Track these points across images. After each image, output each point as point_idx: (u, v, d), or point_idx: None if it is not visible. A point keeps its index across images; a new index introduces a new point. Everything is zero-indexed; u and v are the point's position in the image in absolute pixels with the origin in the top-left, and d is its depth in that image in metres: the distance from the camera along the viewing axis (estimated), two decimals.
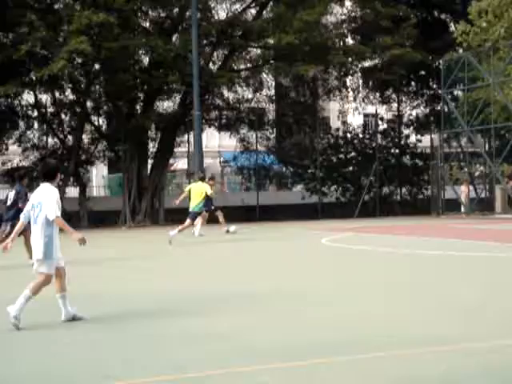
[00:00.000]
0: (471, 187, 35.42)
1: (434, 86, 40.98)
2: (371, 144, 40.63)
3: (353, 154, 41.11)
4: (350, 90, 41.22)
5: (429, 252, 16.84)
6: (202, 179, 22.77)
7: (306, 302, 10.00)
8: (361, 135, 41.65)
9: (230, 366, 6.43)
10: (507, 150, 32.28)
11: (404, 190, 41.25)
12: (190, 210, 21.55)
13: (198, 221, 22.48)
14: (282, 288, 11.41)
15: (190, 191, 22.45)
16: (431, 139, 39.50)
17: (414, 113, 43.43)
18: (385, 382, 5.88)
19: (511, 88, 32.10)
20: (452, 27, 38.67)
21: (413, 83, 42.71)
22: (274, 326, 8.28)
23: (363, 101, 41.85)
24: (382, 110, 42.65)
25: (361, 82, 40.95)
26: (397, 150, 41.55)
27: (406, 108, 43.20)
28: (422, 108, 43.24)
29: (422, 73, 41.37)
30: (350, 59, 36.55)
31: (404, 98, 42.96)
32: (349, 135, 41.39)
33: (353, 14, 37.64)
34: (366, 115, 45.90)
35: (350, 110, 42.31)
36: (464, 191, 34.91)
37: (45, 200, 8.35)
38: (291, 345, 7.24)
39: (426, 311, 9.04)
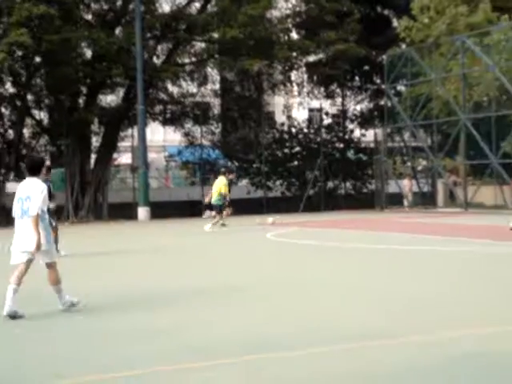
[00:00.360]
0: (414, 181, 35.86)
1: (378, 81, 41.37)
2: (316, 139, 40.83)
3: (298, 148, 41.26)
4: (294, 84, 41.35)
5: (373, 246, 16.96)
6: (224, 174, 24.30)
7: (249, 297, 9.96)
8: (306, 130, 41.80)
9: (177, 363, 6.36)
10: (449, 145, 32.75)
11: (348, 184, 41.57)
12: (213, 203, 23.37)
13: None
14: (227, 283, 11.34)
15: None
16: (375, 134, 39.86)
17: (358, 107, 43.78)
18: (328, 377, 5.85)
19: (452, 83, 32.55)
20: (395, 23, 39.04)
21: (357, 78, 43.06)
22: (219, 321, 8.21)
23: (308, 95, 42.03)
24: (327, 105, 42.88)
25: (305, 76, 41.11)
26: (341, 145, 41.85)
27: (350, 103, 43.53)
28: (366, 103, 43.63)
29: (366, 68, 41.72)
30: (294, 54, 36.64)
31: (348, 93, 43.29)
32: (294, 130, 41.52)
33: (297, 8, 37.74)
34: (310, 110, 46.12)
35: (295, 105, 42.46)
36: (407, 185, 35.33)
37: (33, 194, 8.58)
38: (237, 340, 7.18)
39: (370, 305, 9.06)
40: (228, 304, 9.44)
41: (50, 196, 14.10)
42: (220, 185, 23.52)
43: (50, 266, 8.78)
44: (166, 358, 6.55)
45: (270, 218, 24.25)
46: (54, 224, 14.84)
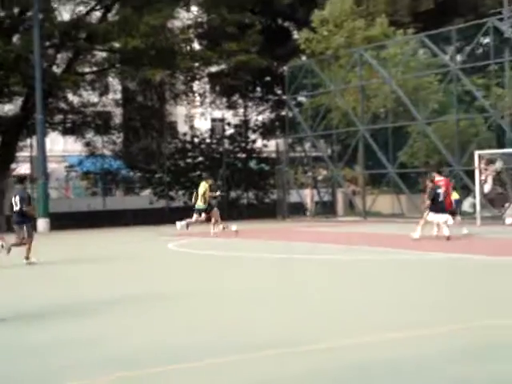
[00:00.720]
0: (315, 191, 36.45)
1: (279, 91, 41.85)
2: (218, 149, 40.97)
3: (200, 158, 41.26)
4: (197, 94, 41.38)
5: (276, 255, 17.16)
6: (205, 179, 25.09)
7: (154, 308, 9.93)
8: (208, 140, 41.88)
9: (90, 376, 6.32)
10: (348, 155, 33.47)
11: (251, 194, 41.84)
12: (196, 207, 24.21)
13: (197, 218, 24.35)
14: (126, 294, 11.26)
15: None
16: (277, 144, 40.31)
17: (260, 118, 44.15)
18: None
19: (351, 95, 33.31)
20: (296, 35, 39.66)
21: (258, 89, 43.46)
22: (129, 333, 8.18)
23: (210, 106, 42.14)
24: (229, 115, 43.10)
25: (208, 86, 41.23)
26: (243, 155, 42.09)
27: (252, 113, 43.87)
28: (267, 113, 44.05)
29: (268, 79, 42.17)
30: (196, 64, 36.71)
31: (250, 104, 43.63)
32: (196, 140, 41.52)
33: (199, 19, 37.83)
34: (213, 120, 46.24)
35: (197, 115, 42.49)
36: (308, 195, 35.86)
37: None
38: (146, 350, 7.18)
39: (275, 314, 9.19)
40: (128, 315, 9.39)
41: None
42: (203, 190, 24.20)
43: None
44: (83, 370, 6.52)
45: (233, 226, 24.34)
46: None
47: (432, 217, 19.56)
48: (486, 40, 33.26)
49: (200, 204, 24.17)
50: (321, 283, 12.18)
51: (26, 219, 16.71)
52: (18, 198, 16.65)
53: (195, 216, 24.32)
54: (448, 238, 18.75)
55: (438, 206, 19.50)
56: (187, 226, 24.30)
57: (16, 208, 16.60)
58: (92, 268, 16.08)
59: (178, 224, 24.37)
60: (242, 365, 6.62)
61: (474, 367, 6.29)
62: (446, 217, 19.45)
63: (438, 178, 20.82)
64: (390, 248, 17.82)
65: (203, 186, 24.38)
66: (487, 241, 19.72)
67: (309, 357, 6.81)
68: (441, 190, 19.73)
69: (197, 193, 24.40)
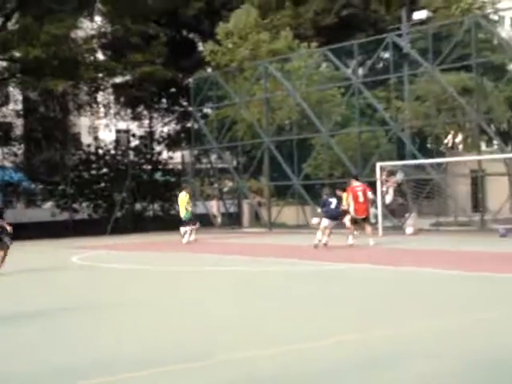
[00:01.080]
0: (221, 202, 36.51)
1: (185, 103, 41.80)
2: (123, 160, 40.49)
3: (105, 170, 40.68)
4: (101, 105, 40.83)
5: (179, 268, 17.07)
6: (185, 188, 27.08)
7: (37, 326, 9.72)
8: (113, 151, 41.35)
9: None
10: (253, 167, 33.70)
11: (156, 206, 41.52)
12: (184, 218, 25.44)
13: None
14: (22, 310, 10.99)
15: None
16: (182, 156, 40.21)
17: (165, 129, 43.95)
18: None
19: (256, 107, 33.59)
20: (201, 46, 39.73)
21: (164, 100, 43.28)
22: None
23: (115, 117, 41.65)
24: (134, 127, 42.72)
25: (112, 97, 40.74)
26: (149, 167, 41.77)
27: (157, 125, 43.63)
28: (173, 125, 43.91)
29: (173, 90, 42.05)
30: (100, 75, 36.24)
31: (155, 115, 43.39)
32: (101, 151, 40.93)
33: (103, 29, 37.40)
34: (118, 131, 45.72)
35: (102, 126, 41.92)
36: (214, 206, 35.88)
37: None
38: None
39: (173, 328, 9.12)
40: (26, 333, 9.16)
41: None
42: (183, 200, 25.15)
43: None
44: None
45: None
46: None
47: (324, 223, 20.36)
48: (386, 55, 34.22)
49: (185, 214, 25.26)
50: (223, 295, 12.18)
51: None
52: None
53: (189, 226, 25.33)
54: (351, 246, 19.48)
55: (330, 213, 20.44)
56: (189, 236, 25.25)
57: None
58: None
59: (185, 239, 25.27)
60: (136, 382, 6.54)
61: (362, 379, 6.41)
62: (330, 223, 20.29)
63: (356, 184, 21.75)
64: (296, 259, 18.00)
65: (183, 196, 25.60)
66: (388, 251, 20.16)
67: (201, 372, 6.79)
68: (333, 199, 20.70)
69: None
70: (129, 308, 11.10)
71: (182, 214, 25.61)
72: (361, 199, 21.25)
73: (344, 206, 21.05)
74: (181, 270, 16.67)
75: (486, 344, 7.55)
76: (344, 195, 21.71)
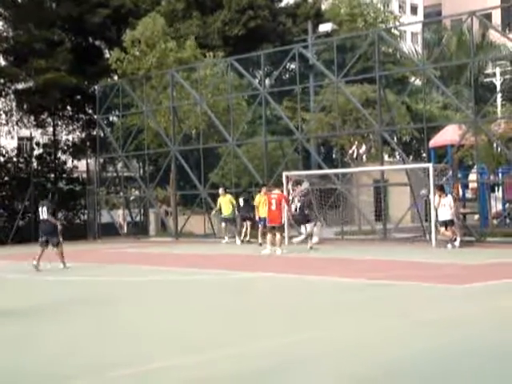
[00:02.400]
0: (127, 211, 36.08)
1: (90, 111, 41.09)
2: (26, 168, 39.46)
3: (6, 178, 39.55)
4: (2, 112, 39.67)
5: (67, 278, 16.81)
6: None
7: None
8: (15, 159, 40.25)
9: None
10: (160, 175, 33.46)
11: (60, 214, 40.55)
12: None
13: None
14: None
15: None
16: (87, 164, 39.54)
17: (70, 137, 43.07)
18: None
19: (163, 116, 33.37)
20: (107, 54, 39.20)
21: (69, 107, 42.36)
22: None
23: (17, 124, 40.52)
24: (38, 134, 41.69)
25: (14, 104, 39.64)
26: (53, 175, 40.86)
27: (62, 133, 42.69)
28: (78, 133, 43.02)
29: (78, 97, 41.23)
30: (1, 81, 35.24)
31: (60, 123, 42.41)
32: (2, 159, 39.76)
33: (4, 34, 36.39)
34: (20, 138, 44.54)
35: (3, 133, 40.69)
36: (120, 215, 35.42)
37: None
38: None
39: (91, 339, 8.94)
40: None
41: None
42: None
43: None
44: None
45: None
46: None
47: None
48: (293, 66, 34.67)
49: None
50: (135, 305, 12.04)
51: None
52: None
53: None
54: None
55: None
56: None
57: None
58: None
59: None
60: None
61: None
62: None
63: (275, 192, 22.46)
64: (197, 268, 17.95)
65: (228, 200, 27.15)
66: (293, 259, 20.35)
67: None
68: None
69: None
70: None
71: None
72: (273, 207, 21.49)
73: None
74: (64, 280, 16.40)
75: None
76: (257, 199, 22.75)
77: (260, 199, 24.33)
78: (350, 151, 31.55)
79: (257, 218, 24.89)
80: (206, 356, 7.58)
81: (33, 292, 14.83)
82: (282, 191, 23.75)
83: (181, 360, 7.48)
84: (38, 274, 17.91)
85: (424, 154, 33.54)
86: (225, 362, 7.33)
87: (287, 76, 42.10)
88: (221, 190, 28.06)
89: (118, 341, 8.75)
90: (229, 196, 27.86)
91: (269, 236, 21.66)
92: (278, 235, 21.58)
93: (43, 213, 19.61)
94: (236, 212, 27.59)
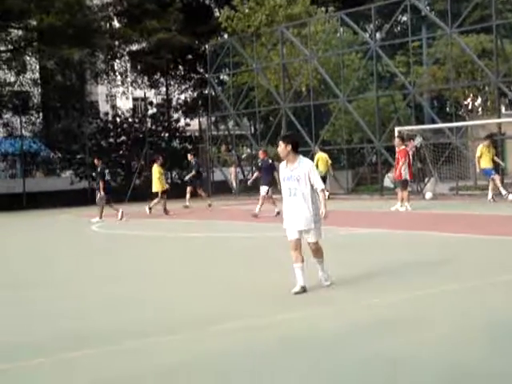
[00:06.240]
0: (238, 169, 36.45)
1: (201, 70, 41.59)
2: (141, 128, 40.45)
3: (123, 138, 40.69)
4: (117, 73, 40.72)
5: (194, 234, 17.13)
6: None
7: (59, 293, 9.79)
8: (130, 119, 41.31)
9: None
10: (271, 133, 33.55)
11: (174, 173, 41.51)
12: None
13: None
14: (47, 278, 11.07)
15: None
16: (199, 123, 40.11)
17: (182, 97, 43.82)
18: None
19: (273, 73, 33.34)
20: (217, 12, 39.40)
21: (180, 67, 43.06)
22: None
23: (131, 85, 41.52)
24: (151, 94, 42.60)
25: (129, 65, 40.59)
26: (167, 134, 41.74)
27: (174, 92, 43.50)
28: (190, 92, 43.74)
29: (190, 57, 41.82)
30: (116, 42, 36.07)
31: (172, 82, 43.23)
32: (118, 119, 40.92)
33: None
34: (135, 99, 45.65)
35: (119, 94, 41.83)
36: (232, 173, 35.83)
37: None
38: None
39: (198, 293, 9.16)
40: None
41: None
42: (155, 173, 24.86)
43: None
44: None
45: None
46: None
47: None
48: (404, 18, 33.78)
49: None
50: (239, 260, 12.22)
51: None
52: None
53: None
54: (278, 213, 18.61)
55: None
56: None
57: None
58: (14, 249, 15.76)
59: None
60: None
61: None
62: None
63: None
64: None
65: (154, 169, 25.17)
66: (412, 215, 20.08)
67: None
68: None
69: None
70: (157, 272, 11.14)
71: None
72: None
73: None
74: (193, 237, 16.73)
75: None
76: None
77: (482, 150, 23.13)
78: (465, 103, 30.64)
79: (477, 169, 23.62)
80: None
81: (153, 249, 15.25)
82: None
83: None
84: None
85: None
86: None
87: (399, 29, 41.11)
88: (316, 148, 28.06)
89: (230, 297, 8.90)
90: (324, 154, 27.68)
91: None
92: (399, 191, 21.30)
93: None
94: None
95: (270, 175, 20.64)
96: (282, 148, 8.89)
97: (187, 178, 28.04)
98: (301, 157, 8.90)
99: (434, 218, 18.68)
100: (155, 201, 24.78)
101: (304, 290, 8.49)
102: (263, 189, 20.79)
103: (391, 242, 13.94)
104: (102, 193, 22.51)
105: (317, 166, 27.01)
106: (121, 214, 22.21)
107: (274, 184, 19.87)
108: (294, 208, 8.67)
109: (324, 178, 27.16)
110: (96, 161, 23.64)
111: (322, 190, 8.70)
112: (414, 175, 23.49)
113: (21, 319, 8.03)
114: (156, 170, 24.89)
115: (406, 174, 20.93)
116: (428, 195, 25.37)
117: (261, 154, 22.17)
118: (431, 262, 10.61)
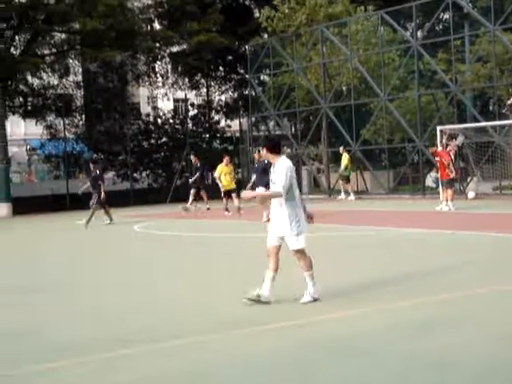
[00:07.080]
0: None
1: (242, 70, 41.68)
2: (182, 129, 40.72)
3: (164, 139, 41.00)
4: (158, 75, 41.05)
5: (234, 235, 17.17)
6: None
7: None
8: (171, 120, 41.62)
9: None
10: (312, 133, 33.50)
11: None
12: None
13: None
14: (102, 278, 11.21)
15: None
16: (240, 123, 40.22)
17: (223, 98, 43.97)
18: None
19: (313, 73, 33.28)
20: (257, 13, 39.45)
21: (221, 68, 43.23)
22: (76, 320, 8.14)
23: (172, 86, 41.81)
24: (192, 96, 42.84)
25: (169, 67, 40.88)
26: (207, 135, 41.94)
27: (215, 93, 43.67)
28: (230, 93, 43.87)
29: (230, 58, 41.95)
30: (157, 44, 36.36)
31: (213, 83, 43.40)
32: (159, 121, 41.26)
33: None
34: (176, 100, 45.94)
35: (160, 96, 42.16)
36: None
37: None
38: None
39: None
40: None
41: None
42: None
43: None
44: None
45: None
46: None
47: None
48: (446, 16, 33.45)
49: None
50: None
51: None
52: None
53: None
54: None
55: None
56: None
57: None
58: (62, 250, 15.97)
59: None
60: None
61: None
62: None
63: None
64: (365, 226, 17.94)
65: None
66: (457, 215, 19.89)
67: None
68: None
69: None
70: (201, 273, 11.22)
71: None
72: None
73: None
74: (231, 237, 16.78)
75: None
76: None
77: None
78: (509, 102, 30.20)
79: None
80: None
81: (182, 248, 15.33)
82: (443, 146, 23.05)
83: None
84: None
85: None
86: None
87: (440, 27, 40.70)
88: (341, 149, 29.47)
89: None
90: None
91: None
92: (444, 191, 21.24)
93: None
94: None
95: (266, 176, 20.16)
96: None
97: (191, 180, 27.95)
98: (281, 158, 8.33)
99: (481, 218, 18.50)
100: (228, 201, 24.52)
101: (259, 299, 8.04)
102: (259, 190, 20.42)
103: (437, 242, 13.84)
104: (103, 195, 22.33)
105: (346, 166, 28.65)
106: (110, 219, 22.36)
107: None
108: (273, 212, 8.32)
109: (348, 178, 29.12)
110: (92, 166, 23.42)
111: (278, 191, 8.07)
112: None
113: (67, 316, 8.17)
114: (220, 169, 24.91)
115: (451, 173, 20.92)
116: (471, 194, 25.14)
117: (256, 156, 22.11)
118: (480, 262, 10.53)
